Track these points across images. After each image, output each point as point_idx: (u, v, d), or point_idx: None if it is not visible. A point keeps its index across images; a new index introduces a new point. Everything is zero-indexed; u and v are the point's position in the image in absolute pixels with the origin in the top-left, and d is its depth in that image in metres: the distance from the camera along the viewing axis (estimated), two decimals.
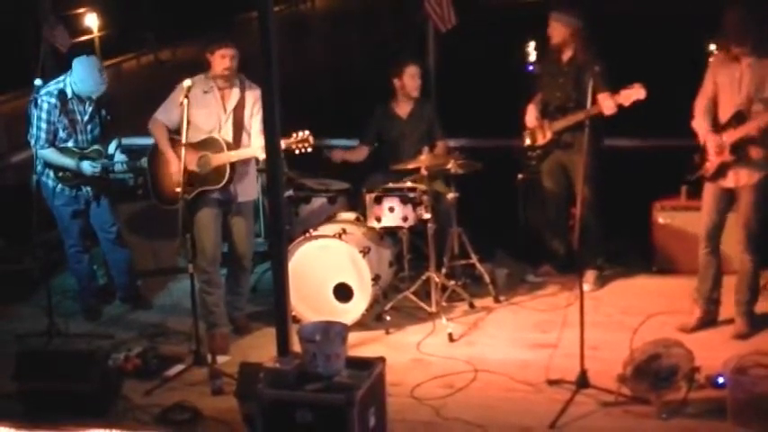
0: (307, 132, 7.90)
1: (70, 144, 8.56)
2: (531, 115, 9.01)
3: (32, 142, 8.56)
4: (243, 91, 8.18)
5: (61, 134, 8.53)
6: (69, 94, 8.50)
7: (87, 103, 8.58)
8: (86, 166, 8.52)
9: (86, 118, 8.58)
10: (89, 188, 8.70)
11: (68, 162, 8.54)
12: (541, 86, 9.09)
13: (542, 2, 9.55)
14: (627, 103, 8.42)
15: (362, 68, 24.17)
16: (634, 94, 8.37)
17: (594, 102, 8.09)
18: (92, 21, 20.71)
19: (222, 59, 8.04)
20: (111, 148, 8.74)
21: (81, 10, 20.38)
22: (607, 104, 8.38)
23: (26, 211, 8.37)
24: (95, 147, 8.63)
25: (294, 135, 7.87)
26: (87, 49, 14.90)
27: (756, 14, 7.57)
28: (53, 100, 8.45)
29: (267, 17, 6.13)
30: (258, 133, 8.00)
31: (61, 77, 8.57)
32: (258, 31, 6.12)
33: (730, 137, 7.63)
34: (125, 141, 8.96)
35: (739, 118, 7.59)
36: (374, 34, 28.55)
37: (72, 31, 13.52)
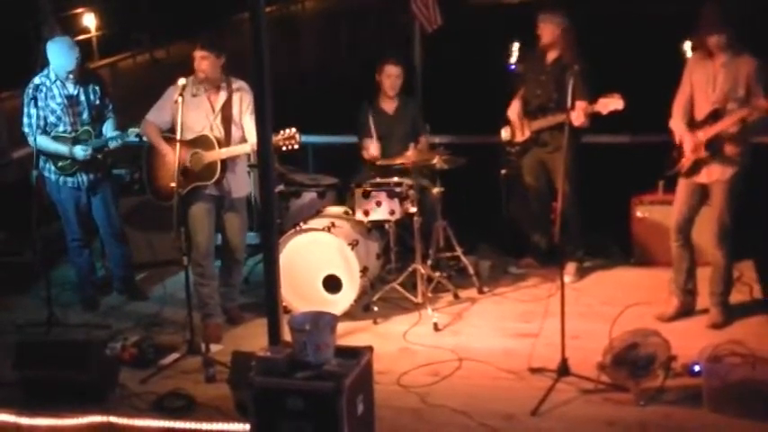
0: (293, 130, 7.97)
1: (61, 129, 8.65)
2: (514, 110, 9.10)
3: (26, 131, 8.67)
4: (230, 90, 8.28)
5: (51, 119, 8.64)
6: (53, 79, 8.63)
7: (72, 87, 8.68)
8: (79, 151, 8.61)
9: (72, 101, 8.67)
10: (89, 175, 8.79)
11: (62, 149, 8.62)
12: (524, 84, 9.15)
13: (527, 2, 9.62)
14: (604, 112, 8.47)
15: (350, 67, 24.21)
16: (612, 103, 8.40)
17: (574, 104, 8.12)
18: (89, 21, 20.83)
19: (196, 61, 8.19)
20: (106, 128, 8.78)
21: (79, 10, 20.48)
22: (576, 116, 8.36)
23: (27, 206, 8.47)
24: (85, 128, 8.70)
25: (281, 132, 7.94)
26: (84, 48, 15.00)
27: (732, 13, 7.66)
28: (35, 85, 8.61)
29: (259, 18, 6.18)
30: (252, 131, 8.05)
31: (46, 68, 8.70)
32: (250, 32, 6.18)
33: (706, 133, 7.73)
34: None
35: (715, 116, 7.70)
36: (362, 35, 28.53)
37: (70, 31, 13.67)
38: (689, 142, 7.82)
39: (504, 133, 9.23)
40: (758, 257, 8.75)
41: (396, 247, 9.00)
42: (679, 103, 7.97)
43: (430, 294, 8.77)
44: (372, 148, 9.29)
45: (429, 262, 8.98)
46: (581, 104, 8.49)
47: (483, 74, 18.73)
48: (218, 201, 8.38)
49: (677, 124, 7.95)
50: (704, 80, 7.79)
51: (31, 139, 8.65)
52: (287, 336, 6.37)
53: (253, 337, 8.05)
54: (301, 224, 8.67)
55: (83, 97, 8.74)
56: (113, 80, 19.49)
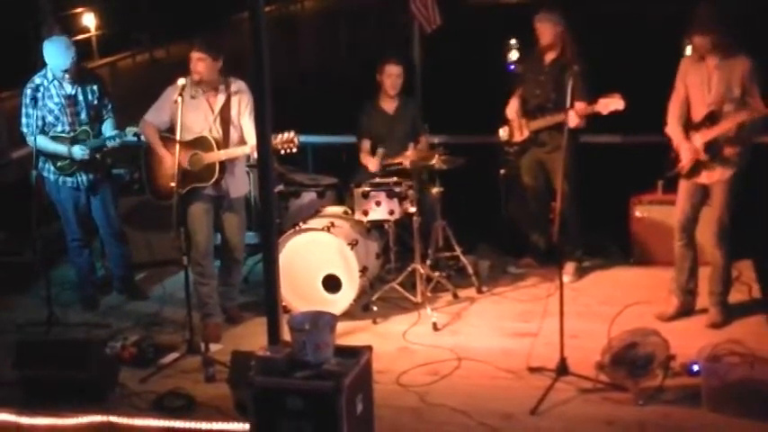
0: (292, 133, 7.95)
1: (59, 128, 8.66)
2: (512, 109, 9.10)
3: (25, 131, 8.69)
4: (228, 92, 8.26)
5: (49, 119, 8.65)
6: (50, 79, 8.64)
7: (70, 87, 8.68)
8: (77, 151, 8.61)
9: (70, 101, 8.67)
10: (89, 175, 8.79)
11: (61, 149, 8.63)
12: (523, 84, 9.14)
13: (525, 2, 9.62)
14: (604, 112, 8.47)
15: (350, 67, 24.22)
16: (612, 104, 8.39)
17: (573, 104, 8.08)
18: (89, 20, 20.85)
19: (192, 62, 8.15)
20: (105, 128, 8.77)
21: (79, 10, 20.51)
22: (570, 117, 8.16)
23: (27, 206, 8.48)
24: (83, 128, 8.70)
25: (280, 136, 7.91)
26: (84, 47, 15.03)
27: (726, 15, 7.66)
28: (36, 85, 8.62)
29: (259, 18, 6.17)
30: (251, 132, 8.06)
31: (44, 68, 8.70)
32: (250, 31, 6.17)
33: (704, 136, 7.73)
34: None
35: (712, 118, 7.70)
36: (362, 35, 28.55)
37: (70, 31, 13.67)
38: (687, 151, 7.84)
39: (503, 133, 9.24)
40: (757, 257, 8.78)
41: (395, 247, 9.02)
42: (674, 106, 7.97)
43: (429, 294, 8.78)
44: (371, 165, 9.28)
45: (428, 262, 8.99)
46: (579, 105, 8.49)
47: (482, 74, 18.76)
48: (216, 201, 8.38)
49: (673, 130, 7.96)
50: (699, 82, 7.80)
51: (30, 140, 8.65)
52: (286, 335, 6.36)
53: (252, 337, 8.05)
54: (301, 224, 8.68)
55: (81, 97, 8.74)
56: (113, 80, 19.49)
